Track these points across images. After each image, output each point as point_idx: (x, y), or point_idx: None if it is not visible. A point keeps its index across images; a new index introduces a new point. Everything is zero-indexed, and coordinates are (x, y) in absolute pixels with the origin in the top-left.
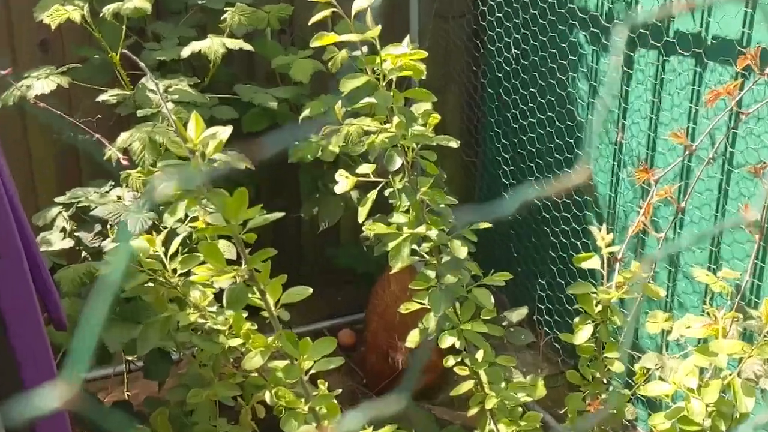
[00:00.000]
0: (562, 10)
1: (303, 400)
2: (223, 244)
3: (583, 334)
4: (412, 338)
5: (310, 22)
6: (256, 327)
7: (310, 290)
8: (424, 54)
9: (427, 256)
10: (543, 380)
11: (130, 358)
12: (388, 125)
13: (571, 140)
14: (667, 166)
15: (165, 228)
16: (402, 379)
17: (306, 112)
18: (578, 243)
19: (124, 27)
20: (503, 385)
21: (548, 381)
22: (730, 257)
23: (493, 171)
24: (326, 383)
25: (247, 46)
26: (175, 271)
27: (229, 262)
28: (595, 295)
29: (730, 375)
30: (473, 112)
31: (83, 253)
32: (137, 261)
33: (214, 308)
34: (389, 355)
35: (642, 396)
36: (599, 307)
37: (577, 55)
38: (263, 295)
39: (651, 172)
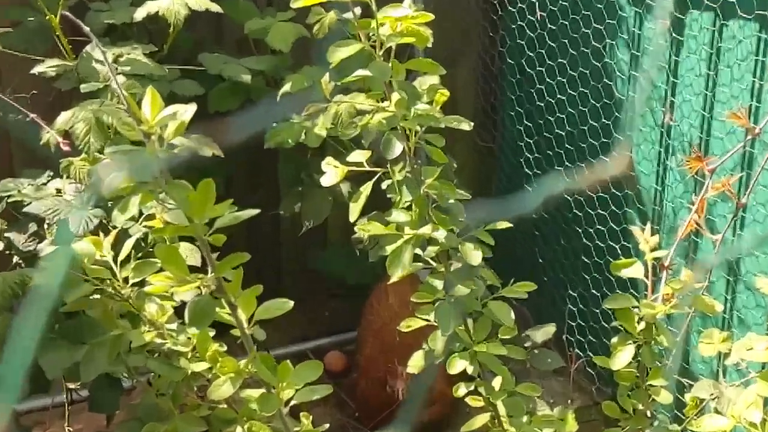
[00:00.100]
0: None
1: None
2: (185, 248)
3: (622, 358)
4: (415, 362)
5: None
6: (225, 348)
7: (291, 304)
8: (431, 17)
9: (433, 263)
10: (574, 413)
11: (72, 386)
12: (385, 103)
13: (609, 122)
14: (725, 153)
15: (114, 228)
16: (402, 411)
17: (286, 88)
18: (617, 246)
19: None
20: (525, 419)
21: (580, 414)
22: None
23: (514, 159)
24: (311, 417)
25: (215, 7)
26: (126, 280)
27: (193, 269)
28: (637, 310)
29: None
30: (490, 88)
31: (15, 259)
32: (80, 268)
33: (174, 325)
34: (387, 383)
35: None
36: (642, 325)
37: (616, 18)
38: (234, 310)
39: (705, 161)
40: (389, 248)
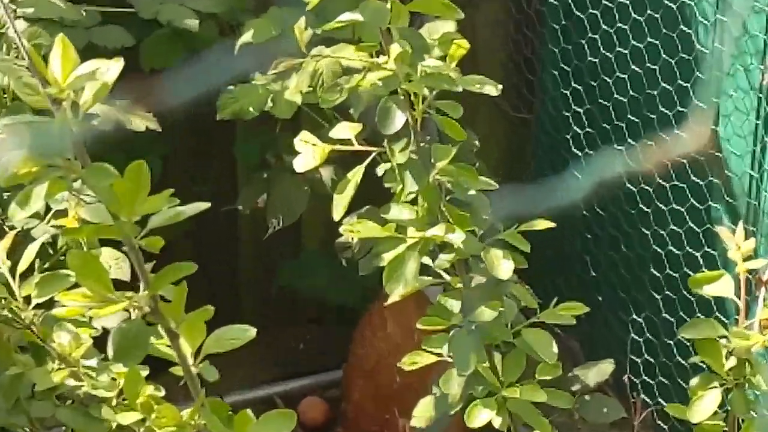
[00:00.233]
0: None
1: None
2: (108, 256)
3: (704, 406)
4: (422, 412)
5: None
6: (163, 393)
7: (253, 332)
8: None
9: (446, 276)
10: None
11: None
12: (382, 59)
13: (686, 83)
14: None
15: (12, 229)
16: None
17: (246, 37)
18: (697, 254)
19: None
20: None
21: None
22: None
23: (557, 134)
24: None
25: None
26: (28, 299)
27: (119, 285)
28: (725, 341)
29: None
30: (524, 37)
31: None
32: None
33: (93, 362)
34: None
35: None
36: (732, 361)
37: None
38: (175, 340)
39: None
40: (387, 257)
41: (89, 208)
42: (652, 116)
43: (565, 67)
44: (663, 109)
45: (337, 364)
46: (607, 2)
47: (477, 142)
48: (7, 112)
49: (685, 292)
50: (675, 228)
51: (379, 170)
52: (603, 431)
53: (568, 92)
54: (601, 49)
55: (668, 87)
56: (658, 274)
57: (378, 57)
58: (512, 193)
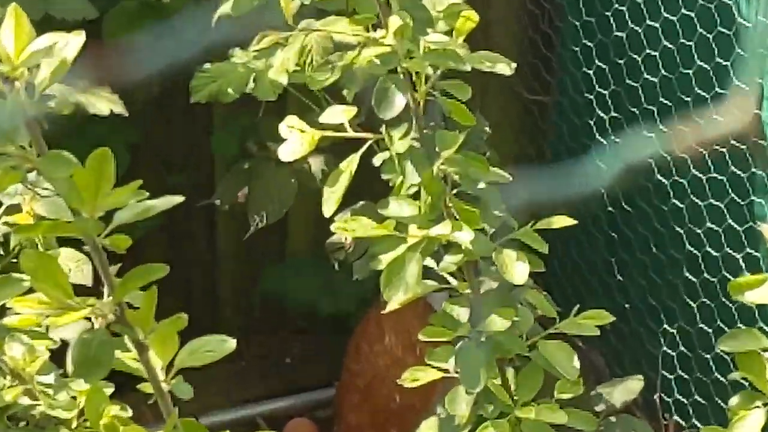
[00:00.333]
0: None
1: None
2: (67, 258)
3: (746, 427)
4: None
5: None
6: (130, 414)
7: (233, 344)
8: None
9: (453, 281)
10: None
11: None
12: (380, 33)
13: (725, 61)
14: None
15: None
16: None
17: (225, 8)
18: (738, 256)
19: None
20: None
21: None
22: None
23: (578, 119)
24: None
25: None
26: None
27: (80, 291)
28: None
29: None
30: (541, 10)
31: None
32: None
33: (50, 378)
34: None
35: None
36: None
37: None
38: (143, 353)
39: None
40: (385, 258)
41: (46, 203)
42: (687, 98)
43: (588, 43)
44: (699, 91)
45: (328, 380)
46: None
47: (487, 129)
48: None
49: (724, 299)
50: (712, 226)
51: (376, 160)
52: None
53: (590, 72)
54: (629, 22)
55: (705, 65)
56: (693, 279)
57: (375, 31)
58: (526, 177)
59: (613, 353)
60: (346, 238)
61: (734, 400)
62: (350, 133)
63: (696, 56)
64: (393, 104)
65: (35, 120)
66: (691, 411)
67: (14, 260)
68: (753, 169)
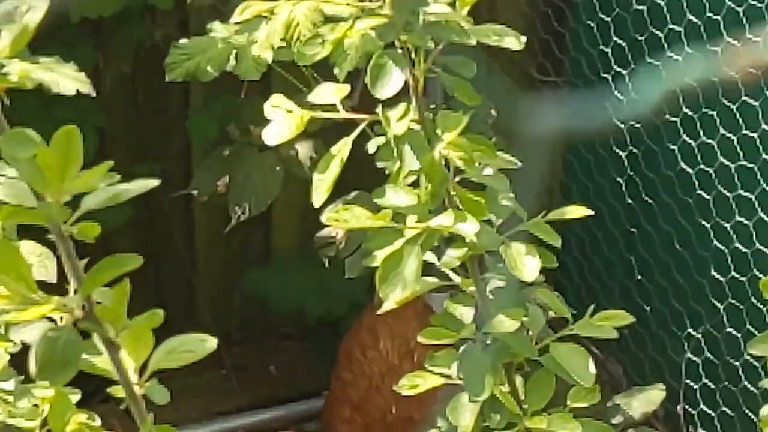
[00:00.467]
0: None
1: None
2: (29, 251)
3: None
4: None
5: None
6: (98, 423)
7: (214, 343)
8: None
9: (456, 277)
10: None
11: None
12: (375, 2)
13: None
14: None
15: None
16: None
17: None
18: None
19: None
20: None
21: None
22: None
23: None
24: None
25: None
26: None
27: (44, 288)
28: None
29: None
30: None
31: None
32: None
33: (10, 383)
34: None
35: None
36: None
37: None
38: (114, 353)
39: None
40: (381, 253)
41: (6, 186)
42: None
43: (605, 18)
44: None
45: (316, 391)
46: None
47: (493, 112)
48: None
49: (754, 300)
50: (742, 220)
51: (371, 146)
52: None
53: (608, 50)
54: None
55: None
56: (720, 279)
57: (369, 1)
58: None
59: (632, 360)
60: (337, 233)
61: (766, 410)
62: (342, 114)
63: (724, 28)
64: (390, 81)
65: None
66: (717, 423)
67: None
68: None
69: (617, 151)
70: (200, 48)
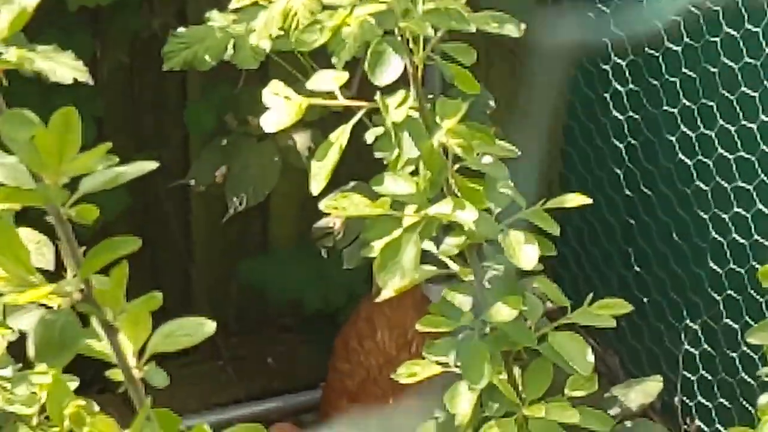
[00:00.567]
0: None
1: None
2: (26, 238)
3: None
4: None
5: None
6: (96, 409)
7: (212, 326)
8: None
9: (454, 266)
10: None
11: None
12: None
13: None
14: None
15: None
16: None
17: None
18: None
19: None
20: None
21: None
22: None
23: (592, 90)
24: None
25: None
26: None
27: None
28: None
29: None
30: None
31: None
32: None
33: (7, 371)
34: None
35: None
36: None
37: None
38: (113, 336)
39: None
40: (379, 243)
41: (4, 168)
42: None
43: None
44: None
45: (314, 382)
46: None
47: (492, 103)
48: None
49: (752, 292)
50: (740, 211)
51: (369, 136)
52: None
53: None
54: None
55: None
56: (718, 270)
57: None
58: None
59: (629, 352)
60: (334, 223)
61: (764, 399)
62: (341, 101)
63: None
64: (389, 68)
65: None
66: (714, 414)
67: None
68: None
69: (616, 142)
70: (198, 37)
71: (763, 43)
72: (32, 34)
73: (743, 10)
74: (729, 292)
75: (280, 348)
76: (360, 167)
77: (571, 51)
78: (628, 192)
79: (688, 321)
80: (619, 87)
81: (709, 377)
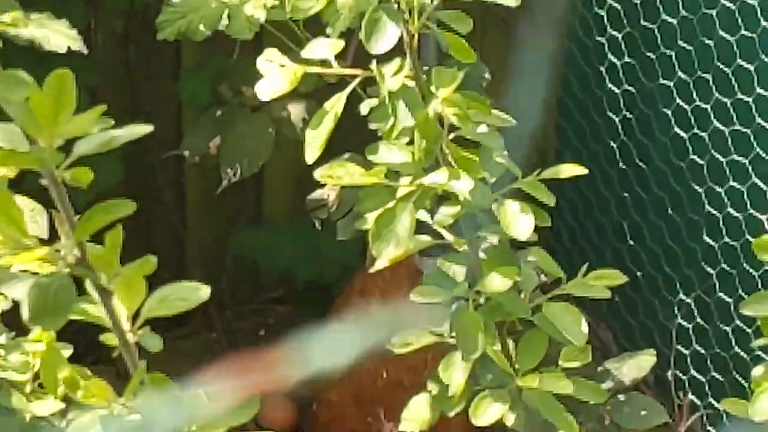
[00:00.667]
0: None
1: None
2: (21, 204)
3: None
4: (414, 414)
5: None
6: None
7: (207, 291)
8: None
9: (449, 236)
10: None
11: None
12: None
13: None
14: None
15: None
16: None
17: None
18: (763, 217)
19: None
20: None
21: None
22: None
23: (588, 64)
24: None
25: None
26: None
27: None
28: None
29: None
30: None
31: None
32: None
33: (1, 338)
34: None
35: None
36: None
37: None
38: (107, 299)
39: None
40: (372, 215)
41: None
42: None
43: None
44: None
45: None
46: None
47: (487, 75)
48: None
49: (746, 266)
50: (735, 185)
51: (364, 107)
52: None
53: (603, 12)
54: None
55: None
56: (713, 244)
57: None
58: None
59: (622, 326)
60: (328, 195)
61: (758, 370)
62: (336, 69)
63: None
64: (384, 36)
65: None
66: (707, 388)
67: None
68: None
69: (611, 115)
70: (193, 7)
71: (760, 16)
72: (26, 2)
73: None
74: (723, 266)
75: (272, 320)
76: (355, 141)
77: (565, 22)
78: (622, 165)
79: (681, 295)
80: (614, 60)
81: (703, 351)
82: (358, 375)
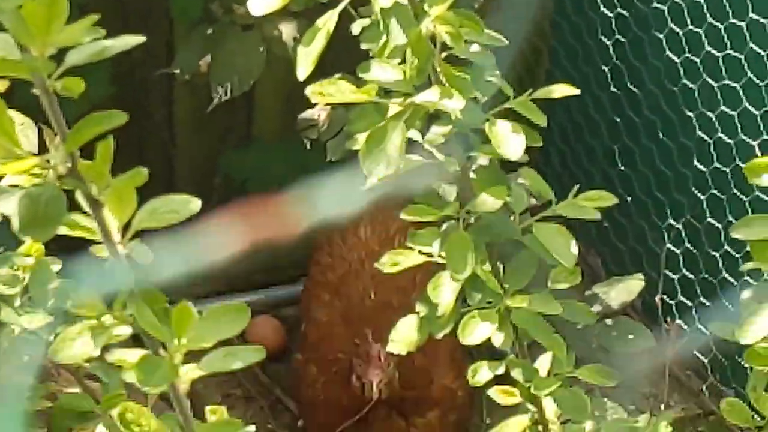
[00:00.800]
0: None
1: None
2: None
3: (760, 323)
4: (402, 335)
5: None
6: None
7: (197, 204)
8: None
9: (440, 156)
10: (670, 424)
11: None
12: None
13: None
14: None
15: None
16: (380, 420)
17: None
18: (754, 143)
19: None
20: (589, 427)
21: (681, 426)
22: None
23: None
24: (224, 412)
25: None
26: None
27: None
28: None
29: None
30: None
31: None
32: None
33: None
34: (352, 372)
35: None
36: None
37: None
38: (97, 211)
39: None
40: (363, 135)
41: None
42: None
43: None
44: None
45: (295, 276)
46: None
47: None
48: None
49: (736, 191)
50: (726, 109)
51: (355, 27)
52: (627, 362)
53: None
54: None
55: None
56: (703, 169)
57: None
58: None
59: (612, 251)
60: (319, 114)
61: (747, 293)
62: None
63: None
64: None
65: None
66: (695, 313)
67: None
68: None
69: (603, 39)
70: None
71: None
72: None
73: None
74: (713, 191)
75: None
76: (347, 62)
77: None
78: (614, 89)
79: (671, 220)
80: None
81: (691, 276)
82: (345, 295)
